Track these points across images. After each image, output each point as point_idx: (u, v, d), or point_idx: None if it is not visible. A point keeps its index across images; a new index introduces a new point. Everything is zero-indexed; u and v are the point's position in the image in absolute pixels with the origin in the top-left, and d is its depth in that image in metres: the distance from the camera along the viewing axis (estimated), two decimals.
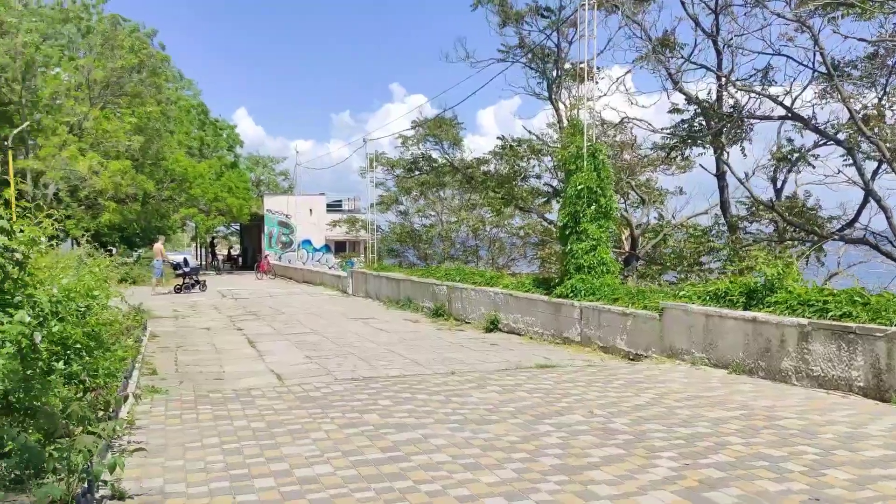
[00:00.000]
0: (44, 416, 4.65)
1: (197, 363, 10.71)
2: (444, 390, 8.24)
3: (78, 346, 5.77)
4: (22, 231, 4.97)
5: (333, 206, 49.85)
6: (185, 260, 28.67)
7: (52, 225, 5.61)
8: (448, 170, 30.01)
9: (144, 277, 30.87)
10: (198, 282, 27.54)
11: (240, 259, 54.77)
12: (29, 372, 4.88)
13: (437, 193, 35.27)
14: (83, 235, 35.02)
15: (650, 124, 20.48)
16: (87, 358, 5.75)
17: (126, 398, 6.70)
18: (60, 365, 5.38)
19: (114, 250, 76.08)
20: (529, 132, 25.06)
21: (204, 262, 52.85)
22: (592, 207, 12.70)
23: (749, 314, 9.17)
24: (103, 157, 30.24)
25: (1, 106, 31.99)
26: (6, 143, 29.43)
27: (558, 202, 26.61)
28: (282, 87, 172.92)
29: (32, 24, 29.72)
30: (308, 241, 47.60)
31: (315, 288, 28.80)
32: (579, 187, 12.61)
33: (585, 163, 12.81)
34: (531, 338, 13.35)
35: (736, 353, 9.25)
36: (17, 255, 4.94)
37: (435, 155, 30.17)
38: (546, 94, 25.27)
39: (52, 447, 4.49)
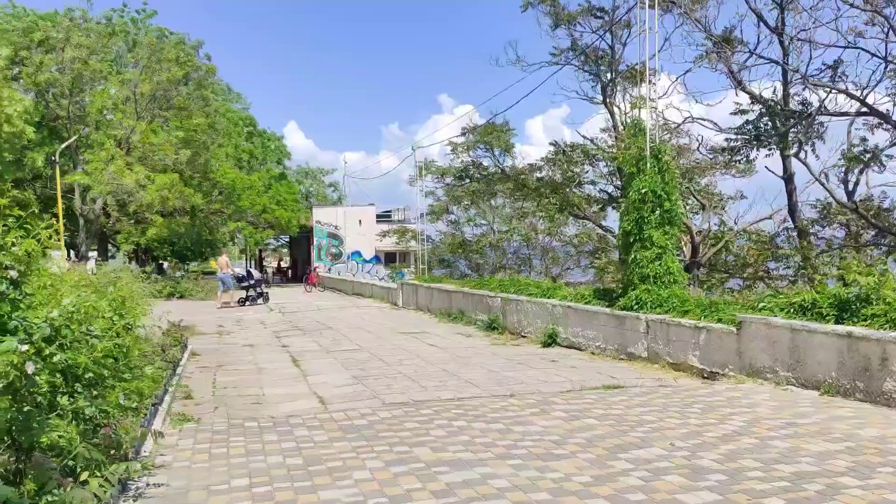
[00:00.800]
0: (34, 468, 3.97)
1: (236, 385, 10.07)
2: (504, 417, 7.40)
3: (89, 375, 5.10)
4: (14, 245, 4.31)
5: (383, 217, 49.43)
6: (249, 272, 28.47)
7: (53, 237, 4.94)
8: (499, 177, 29.18)
9: (192, 292, 30.77)
10: (261, 294, 27.22)
11: (289, 271, 54.72)
12: (27, 409, 4.21)
13: (488, 202, 34.45)
14: (134, 250, 35.16)
15: (716, 124, 19.29)
16: (94, 391, 5.06)
17: (146, 434, 6.01)
18: (64, 400, 4.71)
19: (165, 264, 77.41)
20: (583, 136, 24.13)
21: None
22: (657, 213, 11.72)
23: (842, 328, 8.11)
24: (150, 170, 30.26)
25: (49, 122, 32.38)
26: (53, 158, 29.70)
27: (614, 209, 25.56)
28: (331, 101, 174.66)
29: (80, 38, 29.93)
30: (358, 253, 47.22)
31: (364, 300, 28.22)
32: (643, 191, 11.65)
33: (648, 165, 11.86)
34: (593, 353, 12.40)
35: (828, 373, 8.20)
36: (12, 273, 4.28)
37: (486, 162, 29.42)
38: (600, 97, 24.28)
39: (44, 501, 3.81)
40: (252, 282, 27.24)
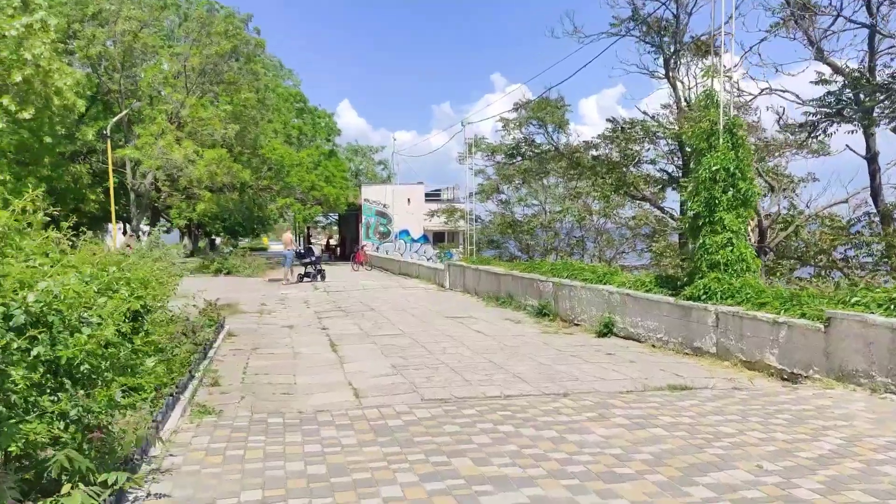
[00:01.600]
0: None
1: (268, 371, 9.40)
2: (557, 422, 6.52)
3: (85, 368, 4.39)
4: None
5: (432, 196, 48.59)
6: (310, 249, 28.59)
7: (36, 208, 4.22)
8: (552, 155, 28.01)
9: (240, 268, 30.51)
10: (320, 271, 27.29)
11: (338, 249, 54.40)
12: None
13: (540, 182, 33.29)
14: (186, 225, 34.98)
15: (798, 95, 17.74)
16: (86, 387, 4.34)
17: (152, 436, 5.30)
18: (45, 400, 4.01)
19: (218, 240, 77.73)
20: (644, 113, 22.74)
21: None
22: (730, 193, 10.60)
23: None
24: (199, 145, 29.94)
25: (103, 96, 32.32)
26: (105, 132, 29.59)
27: (674, 189, 24.23)
28: (383, 82, 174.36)
29: (131, 11, 29.65)
30: (406, 232, 46.55)
31: (411, 281, 27.52)
32: (714, 169, 10.54)
33: (721, 140, 10.72)
34: (654, 346, 11.39)
35: None
36: None
37: (538, 139, 28.19)
38: (661, 71, 22.91)
39: None
40: (312, 258, 27.50)
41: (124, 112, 30.01)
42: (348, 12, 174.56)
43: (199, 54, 30.32)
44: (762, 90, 17.90)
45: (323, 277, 27.24)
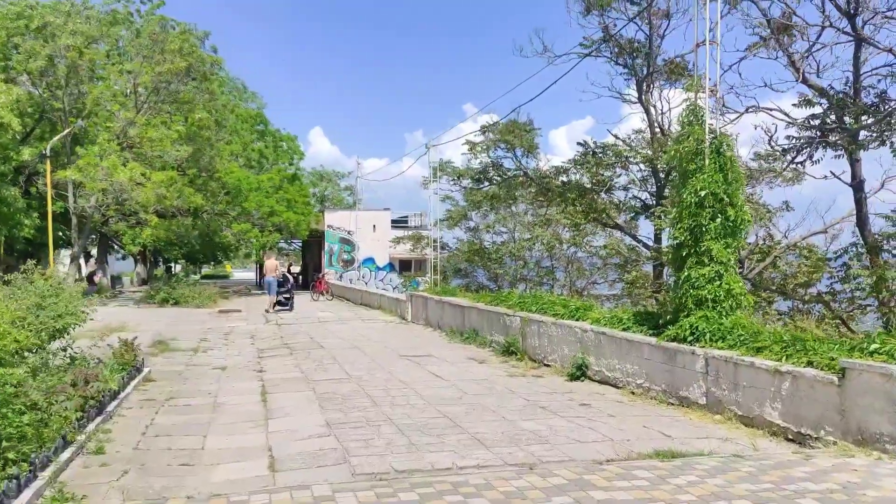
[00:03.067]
0: None
1: (174, 430, 7.80)
2: None
3: None
4: None
5: (399, 223, 47.08)
6: (286, 277, 27.77)
7: None
8: (520, 181, 26.75)
9: (188, 298, 28.66)
10: (289, 299, 26.57)
11: (299, 277, 52.50)
12: None
13: (509, 208, 32.00)
14: (140, 252, 33.00)
15: (787, 114, 16.61)
16: None
17: None
18: None
19: (178, 267, 75.27)
20: (615, 136, 21.55)
21: (258, 281, 51.06)
22: (718, 220, 9.30)
23: None
24: (149, 167, 28.17)
25: (46, 113, 30.47)
26: (44, 152, 27.75)
27: (648, 218, 23.05)
28: (355, 109, 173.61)
29: (78, 26, 27.94)
30: (371, 260, 44.94)
31: (371, 312, 25.92)
32: (701, 193, 9.24)
33: (707, 160, 9.44)
34: (633, 393, 9.98)
35: None
36: None
37: (506, 164, 26.89)
38: (634, 94, 21.83)
39: None
40: (289, 286, 26.88)
41: (66, 132, 28.22)
42: (321, 39, 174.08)
43: (151, 72, 28.67)
44: (748, 108, 16.75)
45: (292, 307, 26.37)
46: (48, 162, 28.57)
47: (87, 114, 29.95)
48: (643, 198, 22.32)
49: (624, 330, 10.60)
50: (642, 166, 21.39)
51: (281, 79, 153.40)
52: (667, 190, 20.77)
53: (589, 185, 21.92)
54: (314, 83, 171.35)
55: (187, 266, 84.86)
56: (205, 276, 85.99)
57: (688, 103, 9.83)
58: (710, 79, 10.08)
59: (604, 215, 22.19)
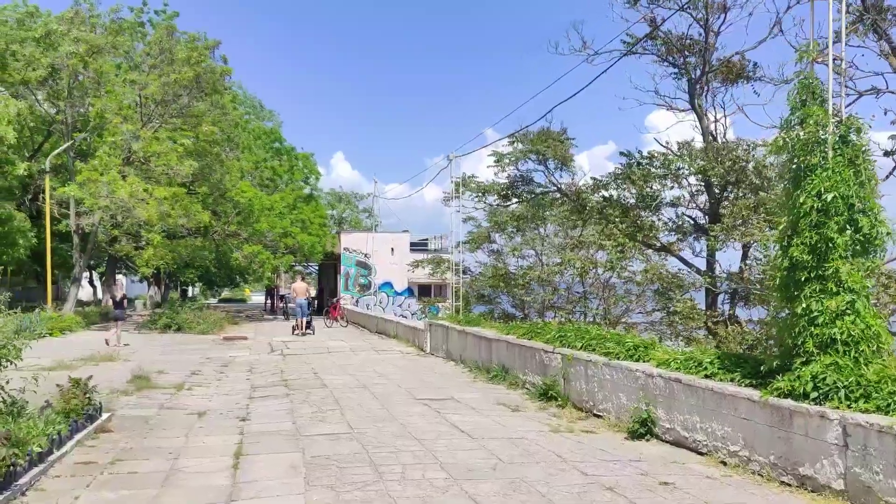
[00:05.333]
0: None
1: None
2: None
3: None
4: None
5: (418, 246, 44.74)
6: (309, 302, 27.29)
7: None
8: (547, 200, 24.29)
9: (192, 324, 26.51)
10: (310, 323, 26.00)
11: (314, 302, 50.29)
12: None
13: (536, 230, 29.54)
14: (153, 275, 30.99)
15: None
16: None
17: None
18: None
19: (195, 291, 73.20)
20: (664, 145, 19.03)
21: (270, 305, 48.95)
22: (848, 233, 6.90)
23: None
24: (154, 183, 26.19)
25: (44, 125, 28.71)
26: (44, 167, 25.92)
27: (697, 239, 20.53)
28: (378, 136, 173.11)
29: (81, 34, 26.17)
30: (389, 284, 42.63)
31: (387, 342, 23.54)
32: (826, 197, 6.84)
33: (831, 153, 7.05)
34: (724, 463, 7.51)
35: None
36: None
37: (538, 179, 24.39)
38: (682, 99, 19.45)
39: None
40: (310, 310, 26.73)
41: (65, 146, 26.38)
42: (343, 64, 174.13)
43: (158, 82, 26.79)
44: (867, 90, 13.87)
45: (313, 331, 25.88)
46: (46, 178, 26.76)
47: (93, 128, 28.15)
48: (693, 216, 19.82)
49: (707, 377, 8.14)
50: (692, 181, 18.96)
51: (302, 105, 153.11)
52: (723, 206, 18.28)
53: (632, 202, 19.47)
54: (337, 109, 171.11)
55: (204, 289, 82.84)
56: (222, 300, 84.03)
57: (801, 77, 7.42)
58: (827, 43, 7.70)
59: (650, 235, 19.70)
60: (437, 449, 8.00)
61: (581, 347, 11.26)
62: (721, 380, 7.96)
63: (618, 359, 10.07)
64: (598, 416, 10.20)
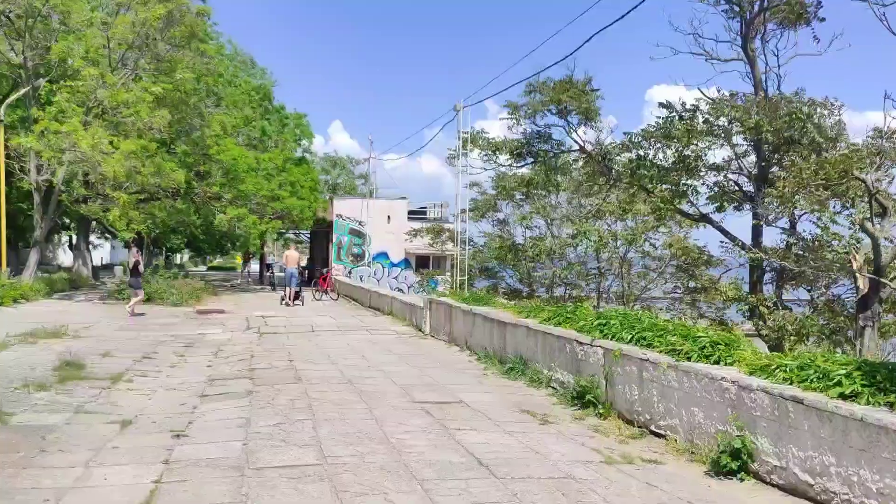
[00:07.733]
0: None
1: None
2: None
3: None
4: None
5: (417, 214, 41.96)
6: (301, 269, 26.99)
7: None
8: (567, 161, 21.50)
9: (166, 294, 23.86)
10: (298, 294, 25.59)
11: (305, 272, 47.60)
12: None
13: (547, 198, 26.78)
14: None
15: None
16: None
17: None
18: None
19: (184, 257, 70.21)
20: (711, 99, 16.05)
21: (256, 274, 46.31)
22: None
23: None
24: (122, 136, 23.37)
25: (9, 72, 25.77)
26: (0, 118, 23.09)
27: (739, 209, 17.83)
28: (377, 105, 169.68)
29: None
30: (384, 254, 39.98)
31: (380, 319, 20.92)
32: None
33: None
34: None
35: None
36: None
37: (557, 136, 21.42)
38: (729, 46, 16.59)
39: None
40: (299, 280, 26.43)
41: (21, 92, 23.52)
42: (342, 33, 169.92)
43: (126, 21, 23.83)
44: None
45: (303, 302, 25.45)
46: (0, 128, 23.91)
47: (59, 74, 25.23)
48: (738, 181, 17.05)
49: (845, 398, 5.51)
50: (737, 140, 16.16)
51: (304, 74, 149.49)
52: (774, 169, 15.56)
53: (670, 164, 16.65)
54: (335, 77, 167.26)
55: (193, 257, 79.88)
56: (212, 268, 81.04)
57: None
58: None
59: (693, 203, 16.94)
60: (441, 494, 5.38)
61: (631, 340, 8.62)
62: (871, 403, 5.33)
63: (688, 359, 7.45)
64: (658, 435, 7.60)
